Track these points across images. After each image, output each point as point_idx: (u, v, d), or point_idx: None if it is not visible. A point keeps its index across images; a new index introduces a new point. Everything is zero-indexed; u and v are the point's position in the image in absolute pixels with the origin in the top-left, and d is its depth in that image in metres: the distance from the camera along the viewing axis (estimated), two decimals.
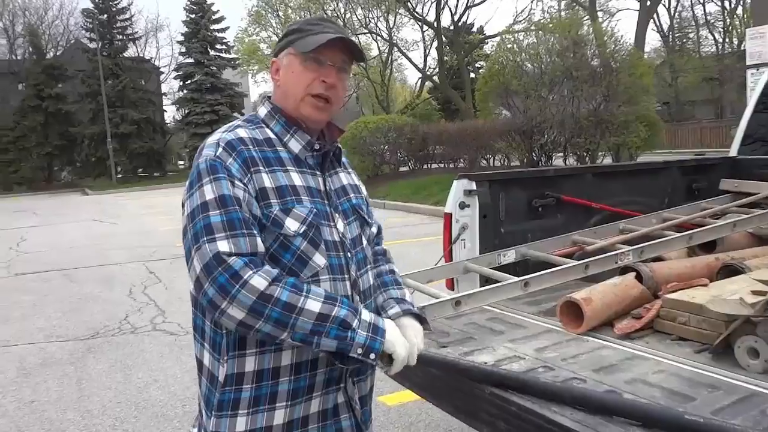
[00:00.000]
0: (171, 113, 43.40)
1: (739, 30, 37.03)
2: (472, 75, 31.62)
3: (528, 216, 3.50)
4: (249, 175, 1.46)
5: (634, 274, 2.84)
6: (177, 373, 4.73)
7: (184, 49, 37.96)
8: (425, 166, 19.61)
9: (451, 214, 3.23)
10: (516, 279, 2.74)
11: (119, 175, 35.38)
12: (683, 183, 4.10)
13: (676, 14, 41.46)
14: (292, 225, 1.46)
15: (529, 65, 14.94)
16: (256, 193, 1.45)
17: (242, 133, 1.53)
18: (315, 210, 1.51)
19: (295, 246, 1.47)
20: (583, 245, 3.36)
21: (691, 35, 42.76)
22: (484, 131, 16.00)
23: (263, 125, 1.58)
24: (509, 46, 15.71)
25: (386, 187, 17.26)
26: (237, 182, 1.43)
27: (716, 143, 26.67)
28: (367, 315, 1.48)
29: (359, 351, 1.43)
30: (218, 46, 37.90)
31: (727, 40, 39.21)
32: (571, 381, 2.04)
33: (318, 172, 1.59)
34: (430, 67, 35.20)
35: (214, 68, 36.29)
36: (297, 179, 1.52)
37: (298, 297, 1.38)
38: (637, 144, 13.45)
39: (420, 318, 1.67)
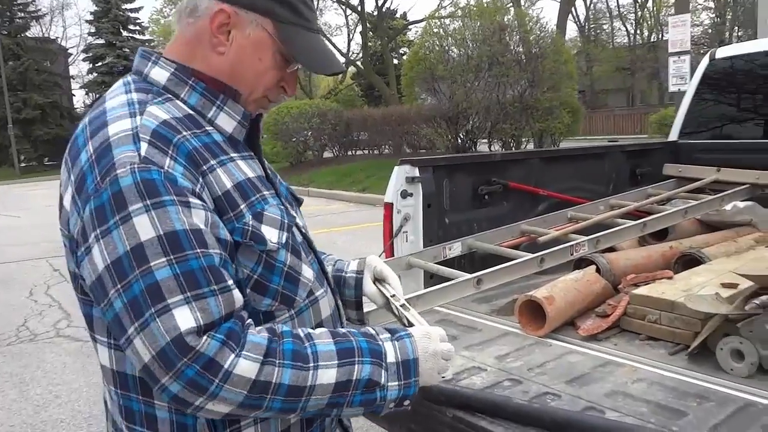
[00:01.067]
0: (80, 98, 41.01)
1: (649, 22, 38.65)
2: (396, 61, 31.43)
3: (473, 204, 3.23)
4: (200, 179, 1.03)
5: (594, 267, 2.62)
6: (82, 386, 4.21)
7: (93, 30, 35.82)
8: (349, 153, 19.25)
9: (391, 204, 2.91)
10: (468, 276, 2.45)
11: (23, 164, 33.04)
12: (627, 168, 3.95)
13: (591, 5, 42.78)
14: (270, 235, 1.08)
15: (455, 50, 14.80)
16: (215, 203, 1.04)
17: (160, 113, 1.06)
18: (281, 207, 1.15)
19: (281, 262, 1.10)
20: (532, 235, 3.12)
21: (605, 26, 44.32)
22: (410, 117, 15.79)
23: (171, 97, 1.11)
24: (435, 30, 15.51)
25: (310, 174, 16.81)
26: (192, 199, 0.99)
27: (629, 130, 27.71)
28: (392, 351, 1.11)
29: (392, 406, 1.10)
30: (131, 27, 36.01)
31: (638, 31, 40.82)
32: (545, 397, 1.77)
33: (251, 152, 1.20)
34: (353, 53, 34.75)
35: (127, 50, 34.34)
36: (247, 169, 1.13)
37: (305, 373, 1.01)
38: (561, 130, 13.59)
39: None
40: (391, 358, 1.10)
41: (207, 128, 1.12)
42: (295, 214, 1.22)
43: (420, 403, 1.80)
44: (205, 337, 0.94)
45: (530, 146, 14.63)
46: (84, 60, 37.04)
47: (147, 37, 36.26)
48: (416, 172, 2.90)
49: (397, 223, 2.91)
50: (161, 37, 34.32)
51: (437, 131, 14.90)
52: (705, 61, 4.21)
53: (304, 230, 1.23)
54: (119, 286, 0.94)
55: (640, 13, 40.20)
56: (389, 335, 1.15)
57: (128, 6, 35.71)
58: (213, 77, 1.13)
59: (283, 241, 1.11)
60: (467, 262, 3.08)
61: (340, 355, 1.05)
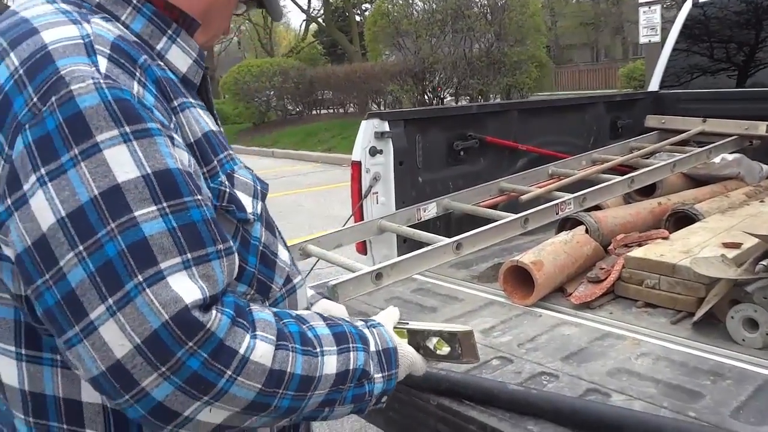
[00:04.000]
0: None
1: None
2: (359, 18, 30.64)
3: (448, 162, 2.98)
4: (173, 116, 0.78)
5: (582, 227, 2.40)
6: None
7: None
8: (314, 112, 18.75)
9: (360, 163, 2.64)
10: (447, 241, 2.21)
11: None
12: (608, 120, 3.73)
13: None
14: (244, 203, 0.85)
15: (419, 4, 14.33)
16: (190, 150, 0.80)
17: (111, 26, 0.78)
18: (250, 170, 0.92)
19: (256, 238, 0.87)
20: (512, 193, 2.89)
21: None
22: (374, 74, 15.33)
23: (108, 17, 0.81)
24: None
25: (273, 135, 16.35)
26: (173, 134, 0.75)
27: (594, 85, 27.65)
28: (372, 339, 0.93)
29: (373, 402, 0.92)
30: None
31: None
32: (541, 378, 1.55)
33: (203, 102, 0.93)
34: (314, 9, 33.68)
35: None
36: (208, 119, 0.87)
37: (315, 360, 0.81)
38: (529, 85, 13.36)
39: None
40: (373, 346, 0.93)
41: (158, 62, 0.84)
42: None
43: (398, 389, 1.58)
44: (214, 312, 0.69)
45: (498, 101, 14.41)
46: None
47: None
48: (386, 127, 2.62)
49: (367, 183, 2.64)
50: None
51: (403, 88, 14.51)
52: (687, 6, 3.98)
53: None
54: (81, 248, 0.66)
55: None
56: (363, 323, 0.96)
57: None
58: (175, 4, 0.85)
59: (258, 211, 0.87)
60: (443, 224, 2.85)
61: (338, 340, 0.85)
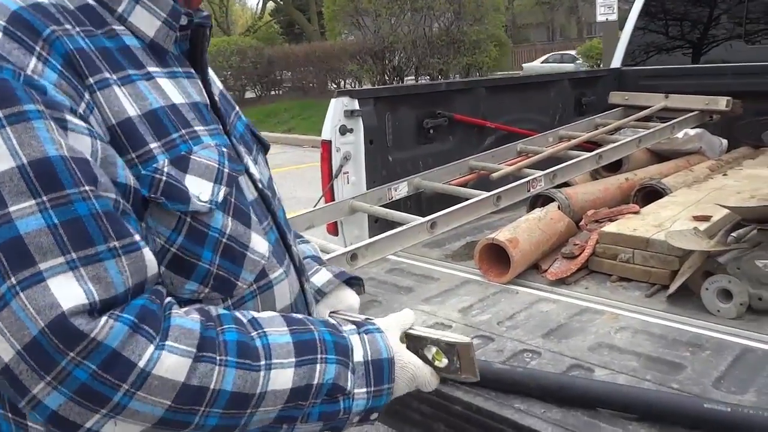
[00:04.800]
0: None
1: None
2: None
3: (418, 140, 2.94)
4: (86, 95, 0.69)
5: (556, 204, 2.41)
6: None
7: None
8: (272, 93, 18.46)
9: (330, 142, 2.58)
10: (421, 220, 2.19)
11: None
12: (572, 97, 3.74)
13: None
14: (199, 189, 0.75)
15: None
16: (109, 134, 0.70)
17: None
18: (224, 149, 0.80)
19: (215, 230, 0.76)
20: (483, 171, 2.88)
21: None
22: (334, 53, 15.18)
23: None
24: None
25: None
26: (71, 117, 0.66)
27: None
28: (359, 347, 0.82)
29: (356, 420, 0.81)
30: None
31: None
32: (523, 356, 1.55)
33: (192, 70, 0.85)
34: None
35: None
36: (173, 91, 0.79)
37: (255, 375, 0.71)
38: (489, 64, 13.40)
39: (354, 280, 1.11)
40: (358, 356, 0.82)
41: (115, 27, 0.76)
42: (249, 162, 0.88)
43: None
44: (104, 319, 0.62)
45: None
46: None
47: None
48: (356, 105, 2.57)
49: (337, 162, 2.59)
50: None
51: (363, 67, 14.41)
52: None
53: (261, 185, 0.89)
54: None
55: None
56: (354, 327, 0.86)
57: None
58: None
59: (219, 198, 0.76)
60: (413, 203, 2.83)
61: (299, 350, 0.75)
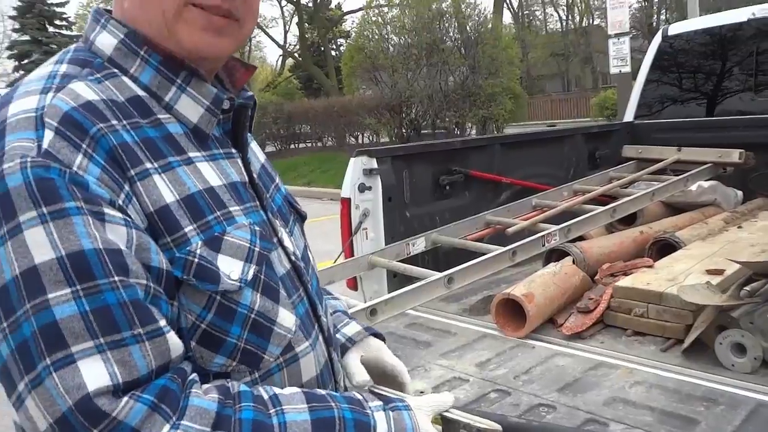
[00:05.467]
0: None
1: (580, 7, 39.39)
2: (334, 52, 31.03)
3: (435, 196, 3.03)
4: (126, 186, 0.75)
5: (570, 258, 2.45)
6: None
7: (17, 26, 33.97)
8: (292, 146, 18.83)
9: (349, 200, 2.67)
10: (438, 275, 2.24)
11: None
12: (586, 151, 3.83)
13: None
14: (230, 268, 0.79)
15: (394, 39, 14.58)
16: (147, 220, 0.76)
17: (87, 92, 0.77)
18: (256, 228, 0.85)
19: (245, 306, 0.80)
20: (498, 226, 2.94)
21: (538, 13, 44.96)
22: (352, 108, 15.49)
23: (116, 72, 0.82)
24: (374, 19, 15.25)
25: None
26: (109, 210, 0.72)
27: (567, 115, 28.18)
28: (384, 425, 0.82)
29: None
30: (58, 23, 34.26)
31: (570, 17, 41.54)
32: (539, 410, 1.58)
33: (233, 150, 0.90)
34: (290, 44, 34.09)
35: (54, 46, 32.63)
36: (211, 174, 0.84)
37: None
38: (504, 116, 13.58)
39: (379, 336, 1.13)
40: None
41: (160, 117, 0.82)
42: (284, 235, 0.92)
43: None
44: (125, 399, 0.67)
45: (473, 133, 14.60)
46: (9, 57, 35.01)
47: (75, 32, 34.61)
48: (374, 164, 2.67)
49: (356, 219, 2.67)
50: None
51: (380, 121, 14.67)
52: (657, 39, 4.12)
53: (294, 257, 0.91)
54: (5, 324, 0.68)
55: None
56: (381, 403, 0.86)
57: (54, 0, 34.04)
58: (162, 44, 0.82)
59: (249, 277, 0.80)
60: (431, 258, 2.89)
61: (315, 428, 0.77)
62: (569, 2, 41.63)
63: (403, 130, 14.36)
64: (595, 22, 36.82)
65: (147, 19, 0.83)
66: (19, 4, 33.58)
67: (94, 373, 0.67)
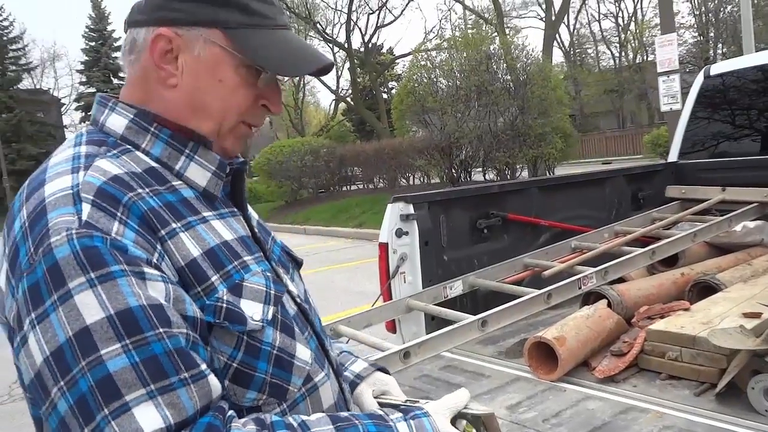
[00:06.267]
0: None
1: (633, 44, 39.07)
2: (386, 95, 31.62)
3: (472, 240, 3.09)
4: (158, 245, 0.85)
5: (605, 301, 2.47)
6: None
7: (84, 79, 36.14)
8: (344, 188, 19.16)
9: (386, 245, 2.77)
10: (472, 318, 2.29)
11: None
12: (629, 192, 3.82)
13: (575, 31, 43.29)
14: (252, 311, 0.89)
15: (443, 81, 14.78)
16: (178, 275, 0.86)
17: (111, 167, 0.88)
18: (268, 274, 0.96)
19: (268, 344, 0.91)
20: (536, 269, 2.97)
21: (590, 51, 44.77)
22: (403, 150, 15.71)
23: (129, 147, 0.93)
24: (423, 63, 15.54)
25: (305, 211, 16.68)
26: (147, 269, 0.82)
27: (622, 152, 27.75)
28: (405, 431, 0.91)
29: None
30: (122, 75, 36.27)
31: (623, 53, 41.21)
32: None
33: (235, 209, 1.02)
34: (343, 89, 34.94)
35: None
36: (224, 230, 0.95)
37: None
38: (555, 155, 13.51)
39: (384, 371, 1.21)
40: None
41: (174, 183, 0.94)
42: (287, 281, 1.03)
43: None
44: None
45: (525, 173, 14.55)
46: (76, 109, 37.30)
47: None
48: (411, 209, 2.76)
49: (394, 263, 2.76)
50: None
51: (431, 162, 14.80)
52: (699, 79, 4.12)
53: (299, 299, 1.02)
54: (62, 383, 0.76)
55: (623, 36, 40.66)
56: (401, 415, 0.95)
57: (118, 54, 36.03)
58: (175, 120, 0.95)
59: (269, 317, 0.91)
60: (469, 300, 2.93)
61: None
62: (622, 40, 41.40)
63: (453, 171, 14.44)
64: (649, 58, 36.36)
65: (197, 125, 0.95)
66: (86, 58, 35.75)
67: (149, 417, 0.75)
